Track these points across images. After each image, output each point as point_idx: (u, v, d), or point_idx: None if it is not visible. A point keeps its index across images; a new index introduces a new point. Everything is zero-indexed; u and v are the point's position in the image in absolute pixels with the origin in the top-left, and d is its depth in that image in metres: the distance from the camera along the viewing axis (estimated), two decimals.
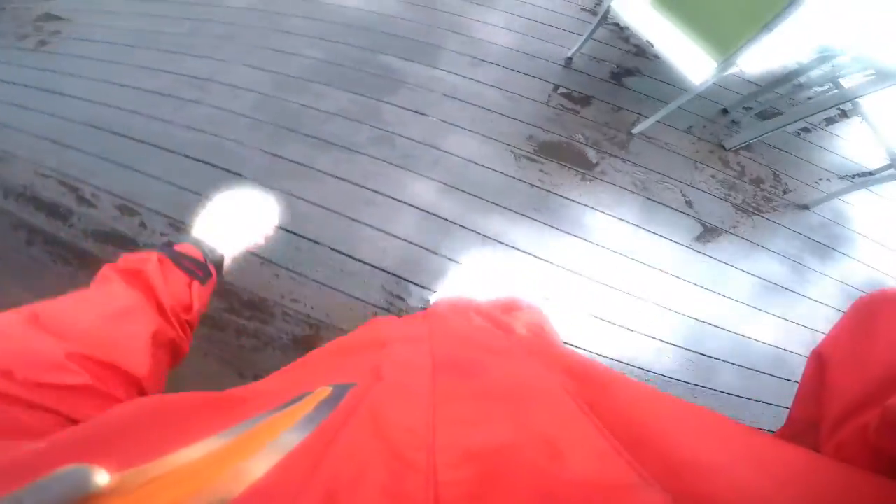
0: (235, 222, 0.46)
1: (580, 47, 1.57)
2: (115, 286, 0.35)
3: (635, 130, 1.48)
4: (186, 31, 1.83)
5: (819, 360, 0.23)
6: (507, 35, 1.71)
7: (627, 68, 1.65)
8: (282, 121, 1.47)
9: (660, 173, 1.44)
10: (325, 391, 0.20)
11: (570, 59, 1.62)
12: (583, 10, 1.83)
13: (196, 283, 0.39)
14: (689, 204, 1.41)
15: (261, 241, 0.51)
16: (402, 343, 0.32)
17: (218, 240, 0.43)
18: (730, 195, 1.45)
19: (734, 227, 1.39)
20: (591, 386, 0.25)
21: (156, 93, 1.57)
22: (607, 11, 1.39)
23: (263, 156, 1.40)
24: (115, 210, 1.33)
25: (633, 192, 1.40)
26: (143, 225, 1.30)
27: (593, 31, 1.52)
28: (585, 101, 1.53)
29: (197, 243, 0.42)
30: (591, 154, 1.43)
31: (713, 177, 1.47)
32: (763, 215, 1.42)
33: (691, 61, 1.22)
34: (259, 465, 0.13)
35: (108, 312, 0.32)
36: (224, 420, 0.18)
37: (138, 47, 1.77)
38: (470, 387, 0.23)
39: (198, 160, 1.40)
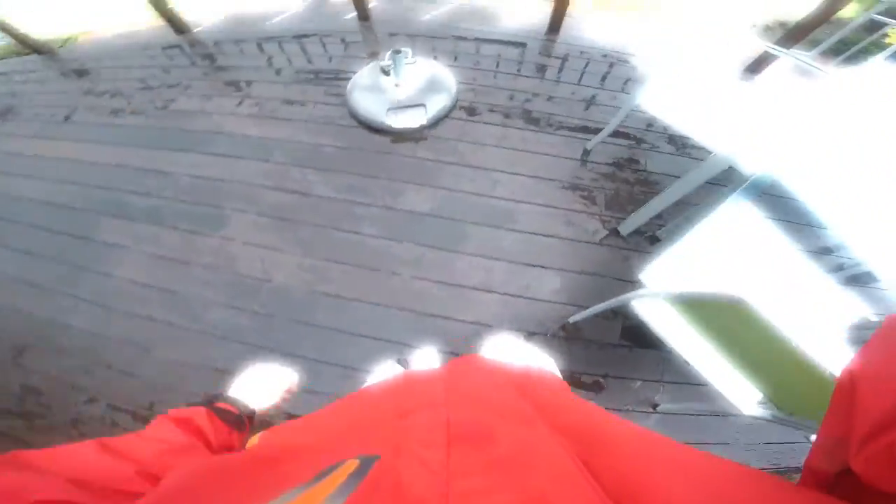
0: (262, 385, 0.61)
1: (594, 311, 1.28)
2: (170, 428, 0.42)
3: (660, 409, 1.33)
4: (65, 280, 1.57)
5: (850, 378, 0.23)
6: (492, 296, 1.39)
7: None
8: None
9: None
10: (353, 464, 0.23)
11: (574, 325, 1.35)
12: (587, 233, 1.38)
13: (235, 433, 0.49)
14: None
15: (282, 402, 0.64)
16: (422, 411, 0.35)
17: (249, 398, 0.58)
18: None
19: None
20: (589, 445, 0.28)
21: None
22: (623, 304, 1.11)
23: None
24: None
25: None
26: None
27: (602, 309, 1.22)
28: (598, 386, 1.34)
29: (234, 402, 0.54)
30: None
31: (738, 433, 1.37)
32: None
33: (734, 388, 0.98)
34: None
35: (165, 447, 0.38)
36: (269, 483, 0.23)
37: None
38: (481, 458, 0.26)
39: None
